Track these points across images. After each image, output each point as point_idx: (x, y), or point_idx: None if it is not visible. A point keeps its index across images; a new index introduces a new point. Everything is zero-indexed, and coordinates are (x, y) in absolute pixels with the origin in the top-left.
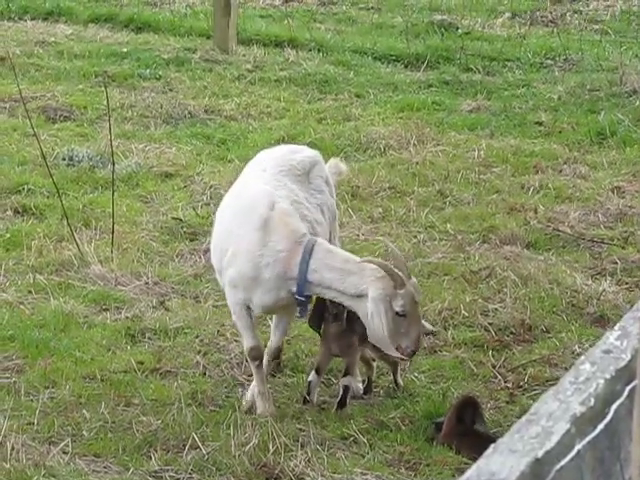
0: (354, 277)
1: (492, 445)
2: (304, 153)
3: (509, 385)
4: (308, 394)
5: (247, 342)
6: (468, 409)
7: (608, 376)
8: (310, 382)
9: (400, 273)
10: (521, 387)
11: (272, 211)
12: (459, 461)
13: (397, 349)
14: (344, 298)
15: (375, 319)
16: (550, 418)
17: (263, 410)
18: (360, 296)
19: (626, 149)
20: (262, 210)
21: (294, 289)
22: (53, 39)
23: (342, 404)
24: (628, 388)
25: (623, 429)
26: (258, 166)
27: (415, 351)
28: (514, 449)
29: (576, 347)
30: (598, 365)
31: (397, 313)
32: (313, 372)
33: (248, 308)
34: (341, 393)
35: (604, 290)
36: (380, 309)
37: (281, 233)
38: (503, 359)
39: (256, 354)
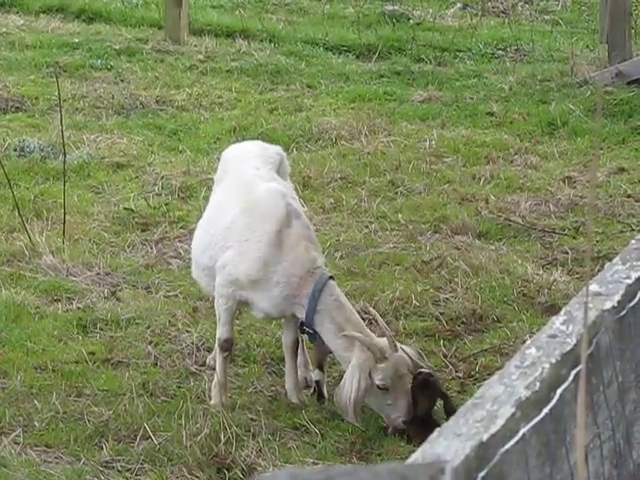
0: (347, 340)
1: (437, 429)
2: (273, 149)
3: (460, 375)
4: (320, 392)
5: (224, 334)
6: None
7: (553, 360)
8: (318, 381)
9: (382, 346)
10: (472, 377)
11: (289, 228)
12: (410, 450)
13: (388, 417)
14: (334, 350)
15: (347, 384)
16: (495, 402)
17: (217, 401)
18: (347, 360)
19: (577, 139)
20: (278, 225)
21: (300, 315)
22: (4, 30)
23: (322, 397)
24: (573, 373)
25: (568, 413)
26: (248, 163)
27: (406, 421)
28: (459, 433)
29: (527, 336)
30: (544, 350)
31: (378, 386)
32: (316, 370)
33: (239, 303)
34: (317, 389)
35: (555, 280)
36: (355, 376)
37: (297, 257)
38: (454, 349)
39: (228, 346)
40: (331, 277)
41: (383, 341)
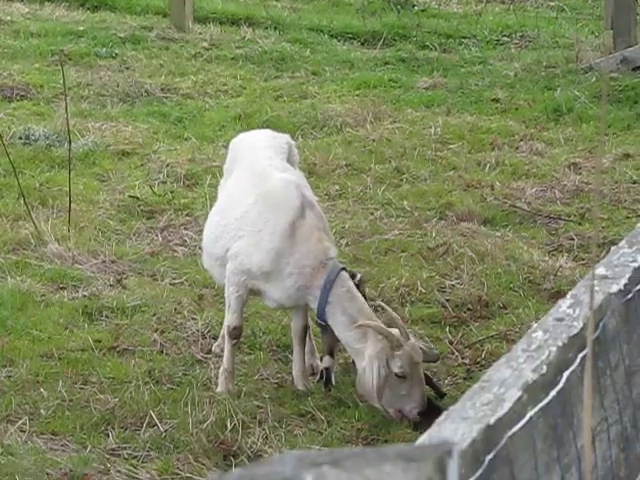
0: (359, 332)
1: (444, 412)
2: (282, 137)
3: (466, 361)
4: (328, 379)
5: (233, 321)
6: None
7: (560, 344)
8: (328, 368)
9: (396, 335)
10: (478, 363)
11: (303, 219)
12: (417, 436)
13: (400, 412)
14: (345, 342)
15: (367, 372)
16: (502, 385)
17: (224, 389)
18: (360, 352)
19: (582, 125)
20: (292, 216)
21: (312, 306)
22: (9, 18)
23: (330, 383)
24: (580, 356)
25: (575, 397)
26: (260, 152)
27: (421, 412)
28: (466, 416)
29: (533, 323)
30: (550, 333)
31: (396, 375)
32: (327, 357)
33: (250, 292)
34: (325, 375)
35: (561, 266)
36: (374, 365)
37: (310, 248)
38: (460, 335)
39: (237, 333)
40: (343, 268)
41: (395, 331)
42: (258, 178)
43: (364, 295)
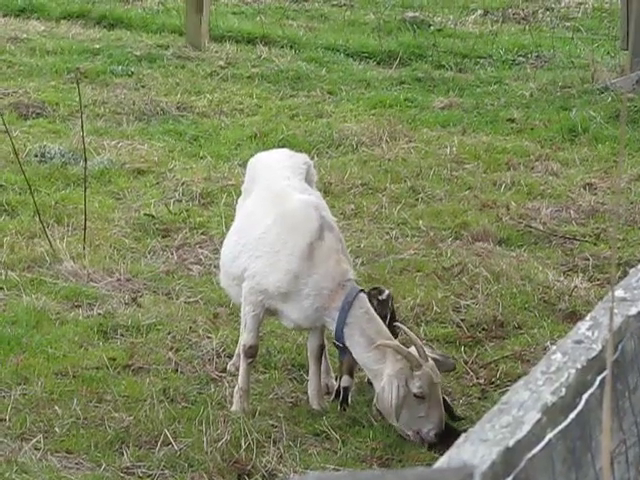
0: (378, 352)
1: (463, 435)
2: (300, 157)
3: (481, 381)
4: (345, 399)
5: (249, 340)
6: None
7: (579, 366)
8: (346, 387)
9: (416, 355)
10: (493, 383)
11: (322, 241)
12: (431, 457)
13: (417, 433)
14: (363, 364)
15: (386, 391)
16: (521, 408)
17: (238, 408)
18: (378, 373)
19: (598, 146)
20: (311, 237)
21: (330, 327)
22: (25, 35)
23: (345, 403)
24: (599, 378)
25: (594, 419)
26: (279, 173)
27: (439, 434)
28: (485, 438)
29: (548, 343)
30: (569, 355)
31: (415, 395)
32: (346, 377)
33: (267, 312)
34: (342, 394)
35: (576, 286)
36: (393, 384)
37: (329, 270)
38: (475, 355)
39: (253, 352)
40: (362, 290)
41: (413, 350)
42: (277, 198)
43: (393, 311)
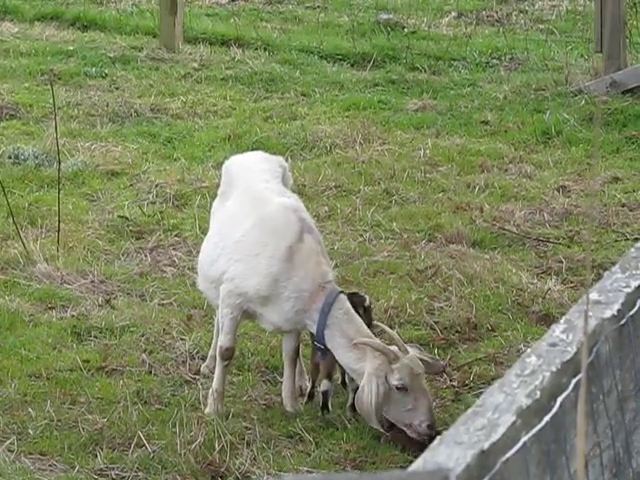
0: (359, 352)
1: (438, 437)
2: (276, 160)
3: (455, 383)
4: (325, 403)
5: (226, 342)
6: None
7: (554, 369)
8: (326, 392)
9: (392, 348)
10: (467, 385)
11: (301, 243)
12: (405, 459)
13: (410, 426)
14: (345, 365)
15: (365, 391)
16: (496, 410)
17: (212, 409)
18: (360, 372)
19: (571, 148)
20: (291, 240)
21: (311, 329)
22: None
23: (326, 408)
24: (574, 381)
25: (569, 422)
26: (257, 176)
27: (431, 425)
28: (460, 441)
29: (521, 345)
30: (544, 358)
31: (397, 388)
32: (325, 381)
33: (245, 314)
34: (322, 399)
35: (549, 289)
36: (372, 382)
37: (308, 272)
38: (449, 357)
39: (229, 355)
40: (341, 292)
41: (393, 347)
42: (256, 202)
43: (370, 319)
